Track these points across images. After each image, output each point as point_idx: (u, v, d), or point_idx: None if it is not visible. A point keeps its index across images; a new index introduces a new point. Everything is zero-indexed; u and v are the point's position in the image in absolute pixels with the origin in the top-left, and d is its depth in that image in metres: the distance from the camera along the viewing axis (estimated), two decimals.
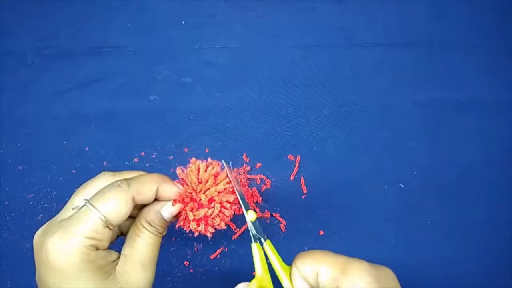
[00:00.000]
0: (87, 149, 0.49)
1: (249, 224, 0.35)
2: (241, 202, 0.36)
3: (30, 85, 0.52)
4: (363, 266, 0.27)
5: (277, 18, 0.55)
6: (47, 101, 0.51)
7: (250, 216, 0.35)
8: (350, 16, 0.55)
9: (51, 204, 0.48)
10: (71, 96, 0.51)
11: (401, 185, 0.50)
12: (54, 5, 0.55)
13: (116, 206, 0.30)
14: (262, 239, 0.34)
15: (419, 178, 0.50)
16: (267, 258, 0.33)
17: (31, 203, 0.48)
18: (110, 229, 0.31)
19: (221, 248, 0.47)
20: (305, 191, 0.49)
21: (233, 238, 0.47)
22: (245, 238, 0.47)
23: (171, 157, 0.49)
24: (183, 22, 0.54)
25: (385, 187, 0.49)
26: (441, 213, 0.49)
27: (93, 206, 0.30)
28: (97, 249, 0.30)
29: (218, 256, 0.46)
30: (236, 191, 0.36)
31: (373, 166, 0.50)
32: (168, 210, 0.34)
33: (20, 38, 0.53)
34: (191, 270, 0.46)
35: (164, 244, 0.46)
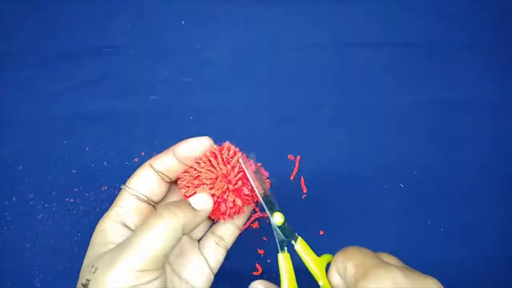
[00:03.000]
0: (87, 149, 0.49)
1: (276, 230, 0.31)
2: (263, 204, 0.31)
3: (30, 85, 0.52)
4: (391, 274, 0.25)
5: (277, 18, 0.55)
6: (47, 101, 0.51)
7: (277, 219, 0.31)
8: (350, 16, 0.55)
9: (51, 204, 0.47)
10: (71, 96, 0.51)
11: (401, 185, 0.50)
12: (54, 5, 0.54)
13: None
14: (293, 241, 0.31)
15: (419, 178, 0.50)
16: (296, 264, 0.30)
17: (31, 203, 0.48)
18: None
19: None
20: (305, 191, 0.49)
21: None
22: (243, 239, 0.47)
23: None
24: (183, 22, 0.54)
25: (385, 187, 0.49)
26: (441, 213, 0.49)
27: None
28: None
29: None
30: (256, 190, 0.31)
31: (373, 166, 0.50)
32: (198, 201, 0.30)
33: (20, 38, 0.53)
34: None
35: None
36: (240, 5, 0.55)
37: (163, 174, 0.31)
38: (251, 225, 0.47)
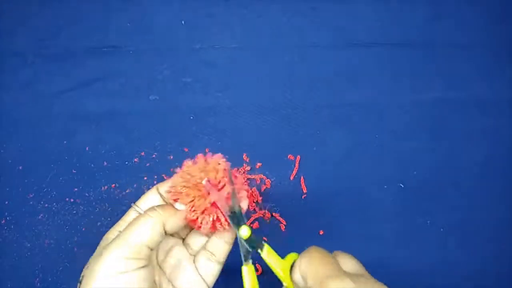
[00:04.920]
0: (87, 149, 0.50)
1: (241, 242, 0.32)
2: (230, 220, 0.32)
3: (30, 85, 0.52)
4: (343, 285, 0.28)
5: (277, 18, 0.55)
6: (47, 101, 0.51)
7: (243, 232, 0.32)
8: (350, 16, 0.55)
9: (51, 204, 0.47)
10: (71, 96, 0.51)
11: (401, 185, 0.50)
12: (54, 5, 0.54)
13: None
14: (259, 250, 0.32)
15: (419, 178, 0.50)
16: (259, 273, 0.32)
17: (31, 203, 0.48)
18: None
19: None
20: (305, 191, 0.49)
21: None
22: None
23: (171, 157, 0.49)
24: (183, 22, 0.54)
25: (385, 187, 0.49)
26: (441, 213, 0.49)
27: None
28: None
29: None
30: (223, 212, 0.32)
31: (373, 166, 0.50)
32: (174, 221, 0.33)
33: (20, 38, 0.53)
34: None
35: None
36: (240, 5, 0.55)
37: (165, 197, 0.36)
38: (251, 225, 0.47)
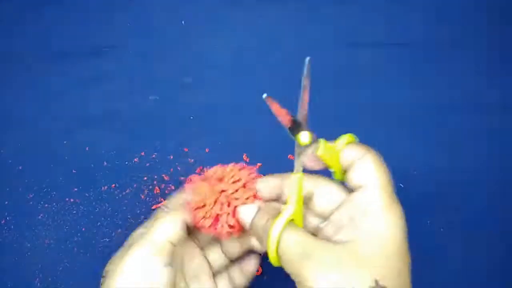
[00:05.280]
0: (87, 149, 0.49)
1: (298, 150, 0.31)
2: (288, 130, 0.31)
3: (30, 85, 0.52)
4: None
5: (277, 18, 0.55)
6: (47, 101, 0.51)
7: (303, 139, 0.31)
8: (350, 16, 0.55)
9: (51, 204, 0.47)
10: (71, 96, 0.51)
11: (401, 185, 0.50)
12: (54, 5, 0.54)
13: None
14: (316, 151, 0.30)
15: (419, 178, 0.50)
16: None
17: (31, 203, 0.48)
18: None
19: None
20: None
21: None
22: None
23: (171, 157, 0.49)
24: (183, 22, 0.54)
25: None
26: (441, 213, 0.49)
27: None
28: None
29: None
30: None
31: None
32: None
33: (20, 38, 0.53)
34: None
35: None
36: (240, 5, 0.55)
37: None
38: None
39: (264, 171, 0.49)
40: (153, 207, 0.47)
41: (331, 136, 0.51)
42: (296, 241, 0.29)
